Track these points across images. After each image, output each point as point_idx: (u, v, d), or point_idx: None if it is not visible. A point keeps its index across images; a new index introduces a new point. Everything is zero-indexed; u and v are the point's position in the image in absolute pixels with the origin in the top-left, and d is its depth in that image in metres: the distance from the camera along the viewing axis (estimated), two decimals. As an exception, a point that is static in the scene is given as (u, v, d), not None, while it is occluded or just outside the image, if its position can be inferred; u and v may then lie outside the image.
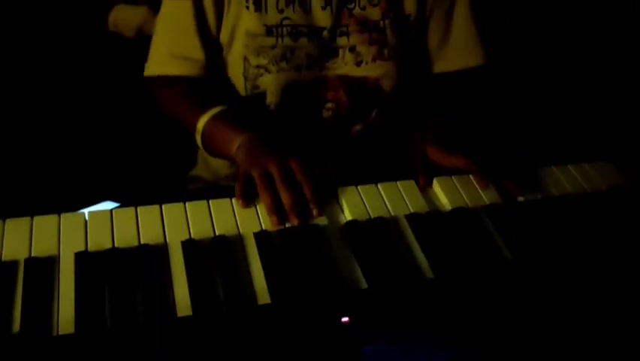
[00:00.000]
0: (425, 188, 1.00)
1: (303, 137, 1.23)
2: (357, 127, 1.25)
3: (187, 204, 0.90)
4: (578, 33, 1.74)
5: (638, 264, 0.89)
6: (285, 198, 0.91)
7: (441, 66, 1.30)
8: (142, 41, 1.27)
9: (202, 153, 1.33)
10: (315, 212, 0.91)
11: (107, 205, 1.02)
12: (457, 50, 1.28)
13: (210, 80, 1.19)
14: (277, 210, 0.90)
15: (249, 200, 0.92)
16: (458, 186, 1.00)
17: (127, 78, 1.28)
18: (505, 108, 1.50)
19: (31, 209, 0.87)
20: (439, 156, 1.05)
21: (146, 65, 1.22)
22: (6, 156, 1.42)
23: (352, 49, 1.19)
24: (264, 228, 0.89)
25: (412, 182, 0.99)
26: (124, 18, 1.62)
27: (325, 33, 1.17)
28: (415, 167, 1.05)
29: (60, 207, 0.88)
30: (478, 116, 1.29)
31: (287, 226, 0.90)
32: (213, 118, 1.10)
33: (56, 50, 1.52)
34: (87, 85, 1.51)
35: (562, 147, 1.30)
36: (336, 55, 1.19)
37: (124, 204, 0.92)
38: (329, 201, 0.95)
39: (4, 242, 0.82)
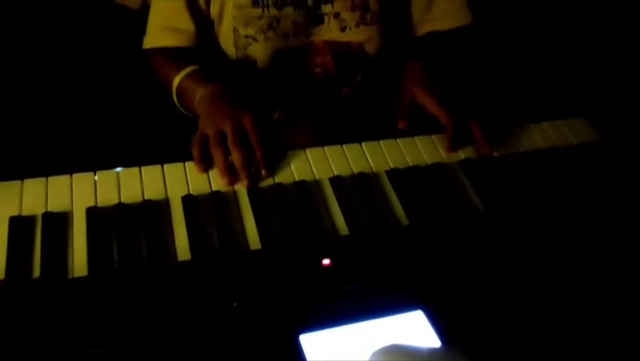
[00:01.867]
0: (404, 129, 1.09)
1: (293, 96, 1.33)
2: (346, 89, 1.34)
3: (186, 163, 1.01)
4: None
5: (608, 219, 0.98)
6: (236, 157, 1.00)
7: (428, 27, 1.38)
8: (146, 13, 1.34)
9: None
10: (263, 173, 1.00)
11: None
12: (443, 12, 1.36)
13: (201, 50, 1.29)
14: (227, 170, 0.99)
15: (206, 164, 1.01)
16: (437, 144, 1.10)
17: (134, 50, 1.37)
18: (490, 64, 1.57)
19: (46, 174, 0.98)
20: (426, 99, 1.13)
21: (144, 38, 1.33)
22: (22, 128, 1.55)
23: (336, 15, 1.28)
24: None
25: (394, 141, 1.09)
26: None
27: (310, 1, 1.26)
28: (399, 107, 1.13)
29: (73, 172, 0.99)
30: (463, 73, 1.37)
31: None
32: (185, 76, 1.20)
33: (61, 22, 1.61)
34: (96, 60, 1.62)
35: (544, 104, 1.38)
36: (322, 22, 1.29)
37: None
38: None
39: (23, 199, 0.94)
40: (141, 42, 1.34)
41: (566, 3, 1.77)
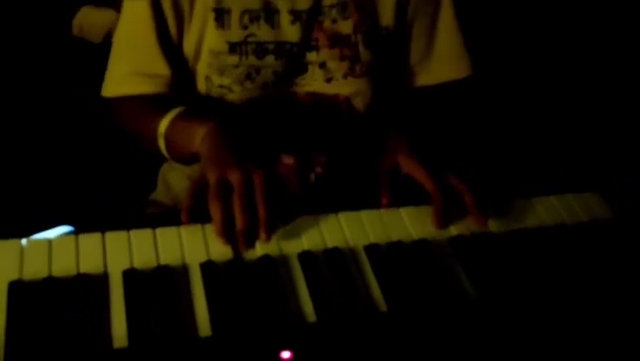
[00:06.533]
0: (387, 205, 1.08)
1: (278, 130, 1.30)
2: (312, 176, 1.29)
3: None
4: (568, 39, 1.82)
5: (622, 304, 0.97)
6: (239, 219, 0.96)
7: (424, 79, 1.38)
8: (109, 47, 1.33)
9: (162, 177, 1.44)
10: (264, 237, 0.97)
11: (62, 230, 1.11)
12: (442, 62, 1.36)
13: (176, 96, 1.27)
14: (226, 229, 0.96)
15: (193, 217, 0.98)
16: (425, 216, 1.08)
17: (90, 89, 1.36)
18: (488, 124, 1.58)
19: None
20: (413, 167, 1.11)
21: (104, 85, 1.30)
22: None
23: (322, 65, 1.28)
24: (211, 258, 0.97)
25: (377, 212, 1.08)
26: (90, 21, 1.71)
27: (294, 49, 1.26)
28: (379, 179, 1.12)
29: (10, 232, 0.96)
30: (458, 134, 1.38)
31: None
32: (175, 118, 1.17)
33: (11, 57, 1.60)
34: (45, 95, 1.60)
35: (549, 173, 1.37)
36: (305, 71, 1.28)
37: (80, 228, 1.00)
38: (286, 228, 1.03)
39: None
40: (101, 81, 1.32)
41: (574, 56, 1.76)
